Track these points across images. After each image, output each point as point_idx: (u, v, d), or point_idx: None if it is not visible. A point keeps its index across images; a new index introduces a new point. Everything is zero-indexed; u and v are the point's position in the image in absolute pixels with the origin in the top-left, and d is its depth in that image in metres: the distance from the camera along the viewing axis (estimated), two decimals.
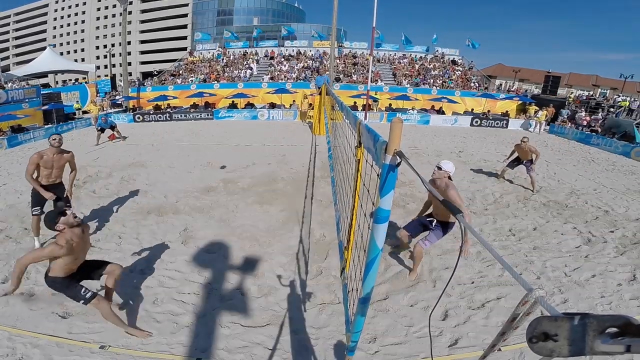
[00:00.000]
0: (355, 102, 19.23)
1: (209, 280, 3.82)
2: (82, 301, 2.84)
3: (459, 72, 24.25)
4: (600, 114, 16.81)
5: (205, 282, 3.77)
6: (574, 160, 10.53)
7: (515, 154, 7.40)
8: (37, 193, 4.39)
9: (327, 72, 20.12)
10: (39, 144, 12.06)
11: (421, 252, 3.79)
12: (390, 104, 20.07)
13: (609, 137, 13.27)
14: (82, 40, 58.77)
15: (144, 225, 5.14)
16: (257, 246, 4.58)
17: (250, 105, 19.40)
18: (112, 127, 11.84)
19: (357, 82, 21.69)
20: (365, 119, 16.89)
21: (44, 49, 28.43)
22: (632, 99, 18.57)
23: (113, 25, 55.20)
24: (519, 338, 2.80)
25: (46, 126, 14.78)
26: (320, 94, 12.35)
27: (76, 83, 26.36)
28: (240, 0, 58.39)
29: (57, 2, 59.56)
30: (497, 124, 17.48)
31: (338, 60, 24.21)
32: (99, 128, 11.58)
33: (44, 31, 61.24)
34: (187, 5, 54.17)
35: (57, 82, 31.89)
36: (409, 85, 21.87)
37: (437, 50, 26.54)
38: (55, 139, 4.35)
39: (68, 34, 59.89)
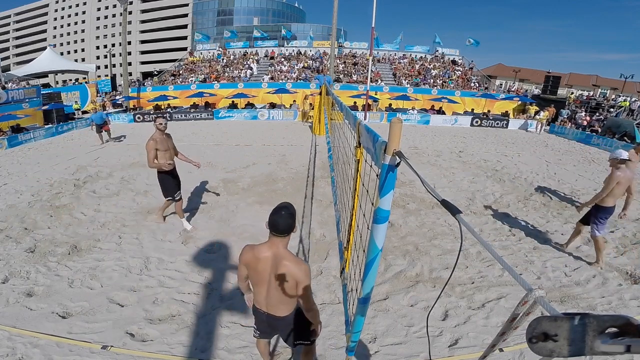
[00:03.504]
0: (355, 102, 19.22)
1: (209, 280, 3.82)
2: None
3: (459, 72, 24.24)
4: (600, 114, 16.80)
5: (205, 282, 3.77)
6: (574, 160, 10.53)
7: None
8: (167, 180, 4.56)
9: (327, 72, 20.12)
10: (39, 144, 12.07)
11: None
12: (390, 104, 20.08)
13: (609, 137, 13.27)
14: (82, 40, 58.84)
15: (144, 225, 5.14)
16: None
17: (250, 105, 19.40)
18: (105, 123, 11.89)
19: (357, 82, 21.68)
20: (365, 119, 16.89)
21: (44, 49, 28.42)
22: (632, 99, 18.55)
23: (113, 25, 55.28)
24: (519, 338, 2.79)
25: (46, 126, 14.78)
26: (320, 93, 12.36)
27: (76, 83, 26.35)
28: (240, 0, 58.45)
29: (57, 2, 59.62)
30: (497, 124, 17.49)
31: (338, 60, 24.21)
32: (93, 124, 11.72)
33: (44, 31, 61.30)
34: (187, 5, 54.24)
35: (57, 82, 31.89)
36: (409, 85, 21.87)
37: (437, 51, 26.54)
38: (162, 124, 4.48)
39: (68, 34, 59.95)
